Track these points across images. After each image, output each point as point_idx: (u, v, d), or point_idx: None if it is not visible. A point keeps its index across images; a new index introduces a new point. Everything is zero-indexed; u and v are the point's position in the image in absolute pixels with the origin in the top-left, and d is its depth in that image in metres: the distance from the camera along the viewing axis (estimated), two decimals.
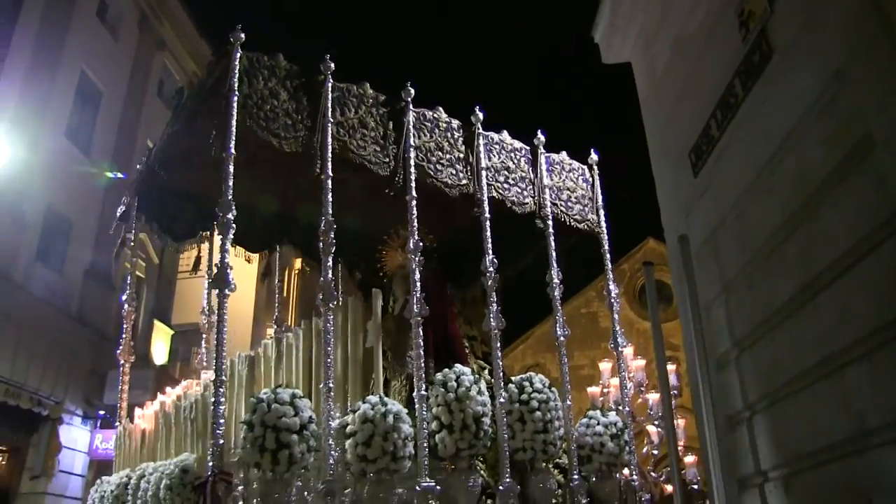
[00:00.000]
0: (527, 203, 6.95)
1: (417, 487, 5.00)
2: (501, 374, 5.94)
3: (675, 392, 9.42)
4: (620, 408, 7.23)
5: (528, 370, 7.05)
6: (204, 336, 8.07)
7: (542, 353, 25.48)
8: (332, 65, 6.10)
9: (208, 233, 7.80)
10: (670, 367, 9.50)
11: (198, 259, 8.07)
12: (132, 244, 7.57)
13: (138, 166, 7.77)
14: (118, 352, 7.44)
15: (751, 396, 3.47)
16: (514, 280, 7.93)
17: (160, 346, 16.55)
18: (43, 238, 13.17)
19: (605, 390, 8.86)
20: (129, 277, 7.87)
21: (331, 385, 5.14)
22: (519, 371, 7.03)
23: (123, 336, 7.47)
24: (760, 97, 3.12)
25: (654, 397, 9.20)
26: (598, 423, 6.34)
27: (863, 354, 2.53)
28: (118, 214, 7.70)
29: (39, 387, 12.68)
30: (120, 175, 7.05)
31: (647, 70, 5.04)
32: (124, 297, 7.69)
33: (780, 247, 3.04)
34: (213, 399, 4.69)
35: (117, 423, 7.54)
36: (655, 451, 9.08)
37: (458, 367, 5.73)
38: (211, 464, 4.57)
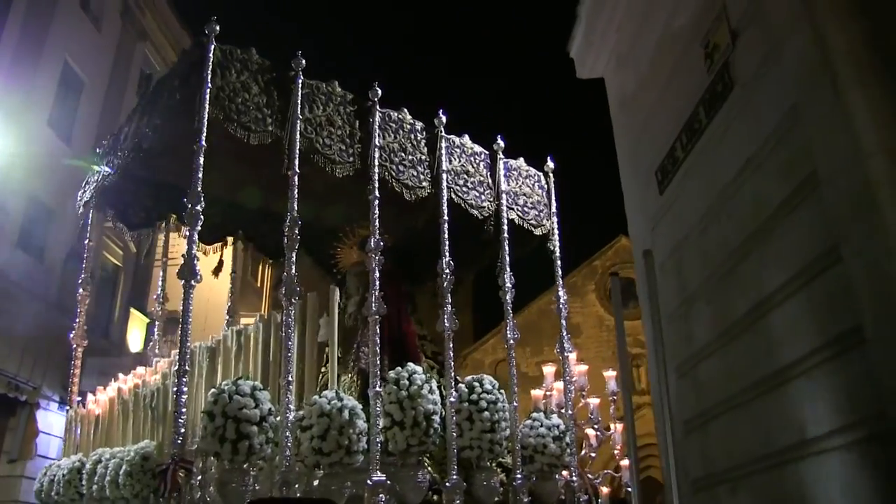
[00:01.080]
0: (484, 206, 7.17)
1: (369, 481, 5.20)
2: (452, 373, 6.19)
3: (614, 398, 9.83)
4: (563, 411, 7.43)
5: (499, 364, 7.38)
6: (157, 324, 8.17)
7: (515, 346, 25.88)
8: (304, 61, 6.23)
9: (164, 223, 7.91)
10: (609, 374, 9.89)
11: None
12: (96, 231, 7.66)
13: (97, 150, 7.81)
14: (71, 335, 7.50)
15: (706, 404, 3.70)
16: (483, 275, 8.15)
17: (136, 334, 16.61)
18: (24, 226, 13.28)
19: (548, 393, 9.13)
20: (83, 262, 7.92)
21: (290, 378, 5.29)
22: (490, 364, 7.30)
23: (77, 320, 7.53)
24: (722, 125, 3.36)
25: (594, 402, 9.51)
26: (542, 425, 6.62)
27: (805, 370, 2.76)
28: (80, 201, 7.74)
29: (18, 372, 12.80)
30: (107, 169, 7.07)
31: (618, 88, 5.26)
32: (80, 281, 7.76)
33: (736, 266, 3.28)
34: (174, 388, 4.83)
35: (67, 408, 7.60)
36: (593, 454, 9.41)
37: (411, 365, 5.97)
38: (171, 451, 4.71)
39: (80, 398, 7.57)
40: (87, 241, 7.98)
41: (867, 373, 2.33)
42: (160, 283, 8.19)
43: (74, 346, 7.46)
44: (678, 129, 3.86)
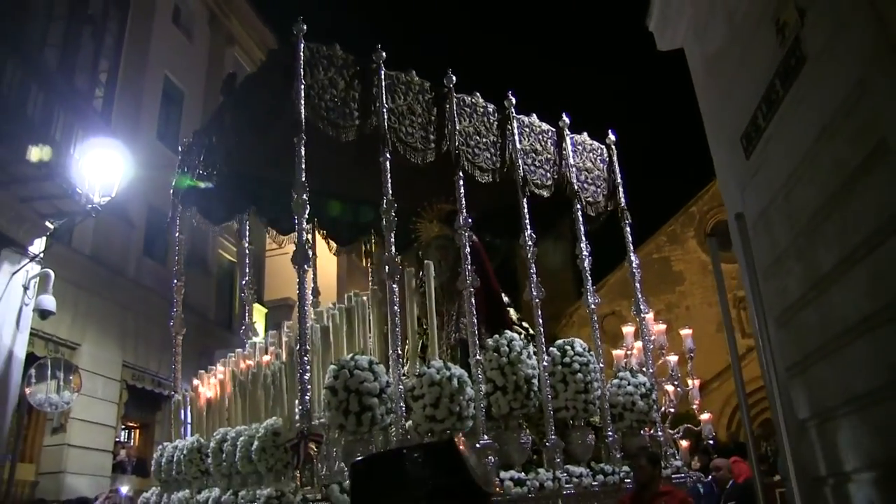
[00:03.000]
0: (549, 185, 7.71)
1: (478, 444, 5.79)
2: (543, 338, 6.83)
3: (692, 355, 10.44)
4: (644, 369, 8.00)
5: (605, 318, 8.04)
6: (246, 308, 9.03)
7: (618, 301, 25.68)
8: (384, 53, 6.75)
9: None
10: (685, 332, 10.49)
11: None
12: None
13: (179, 147, 8.54)
14: (171, 324, 8.23)
15: (806, 350, 4.19)
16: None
17: (257, 325, 17.88)
18: (147, 235, 15.04)
19: (629, 353, 9.73)
20: (176, 256, 8.74)
21: (399, 352, 5.94)
22: (599, 318, 7.92)
23: (174, 311, 8.27)
24: (797, 96, 3.79)
25: (673, 359, 10.09)
26: (629, 384, 7.29)
27: (892, 317, 3.25)
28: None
29: (158, 370, 14.72)
30: (209, 185, 7.85)
31: (699, 58, 5.67)
32: (175, 271, 8.54)
33: (821, 225, 3.75)
34: (298, 366, 5.44)
35: (174, 394, 8.27)
36: (672, 409, 10.04)
37: (508, 333, 6.63)
38: (300, 426, 5.31)
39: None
40: (177, 235, 8.72)
41: None
42: (246, 270, 9.15)
43: (174, 333, 8.15)
44: (758, 99, 4.28)
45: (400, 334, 6.07)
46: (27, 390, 10.12)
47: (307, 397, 5.43)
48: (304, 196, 5.96)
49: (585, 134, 8.35)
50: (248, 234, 8.91)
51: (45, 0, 9.74)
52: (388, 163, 6.44)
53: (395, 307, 6.04)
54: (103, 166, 9.87)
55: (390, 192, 6.35)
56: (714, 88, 5.50)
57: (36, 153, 9.32)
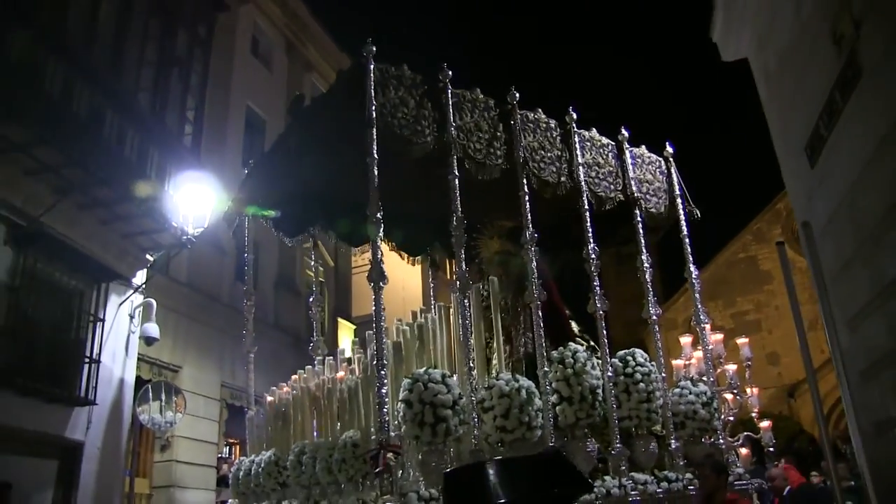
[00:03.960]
0: (613, 196, 7.69)
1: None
2: (607, 349, 6.86)
3: (749, 363, 10.21)
4: (704, 378, 7.92)
5: (691, 320, 7.94)
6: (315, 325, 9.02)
7: (704, 303, 25.83)
8: (450, 72, 6.82)
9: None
10: (742, 341, 10.30)
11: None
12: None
13: (251, 161, 8.75)
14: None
15: (876, 355, 4.13)
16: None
17: (346, 341, 18.21)
18: (238, 260, 15.14)
19: (688, 363, 9.58)
20: (245, 277, 8.98)
21: (471, 365, 6.00)
22: (684, 321, 7.91)
23: (245, 331, 8.47)
24: (857, 107, 3.74)
25: (731, 368, 9.90)
26: (690, 393, 7.22)
27: None
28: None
29: (257, 389, 14.73)
30: (274, 213, 8.12)
31: (762, 69, 5.64)
32: (244, 291, 8.77)
33: (885, 233, 3.68)
34: (377, 381, 5.54)
35: (247, 409, 8.48)
36: (731, 418, 9.86)
37: (572, 345, 6.67)
38: (378, 438, 5.43)
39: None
40: (245, 256, 8.99)
41: None
42: (314, 288, 9.25)
43: (246, 350, 8.34)
44: (819, 110, 4.23)
45: (473, 348, 6.14)
46: (138, 411, 10.59)
47: (385, 409, 5.53)
48: (379, 215, 6.07)
49: (644, 147, 8.33)
50: (314, 251, 9.31)
51: (138, 47, 10.16)
52: (456, 180, 6.51)
53: (469, 322, 6.12)
54: (195, 199, 10.22)
55: (459, 209, 6.43)
56: (778, 99, 5.47)
57: (135, 192, 9.75)
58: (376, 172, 6.13)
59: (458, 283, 6.26)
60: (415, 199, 7.99)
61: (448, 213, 6.48)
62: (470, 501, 1.60)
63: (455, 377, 6.00)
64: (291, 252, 16.34)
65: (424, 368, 5.87)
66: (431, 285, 9.97)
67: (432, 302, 8.80)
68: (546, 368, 6.37)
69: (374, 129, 6.18)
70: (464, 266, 6.33)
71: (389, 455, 5.27)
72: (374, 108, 6.22)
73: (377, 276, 5.91)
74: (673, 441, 6.96)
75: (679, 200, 8.34)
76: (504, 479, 1.56)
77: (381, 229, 6.11)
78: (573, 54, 59.93)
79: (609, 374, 6.70)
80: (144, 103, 10.43)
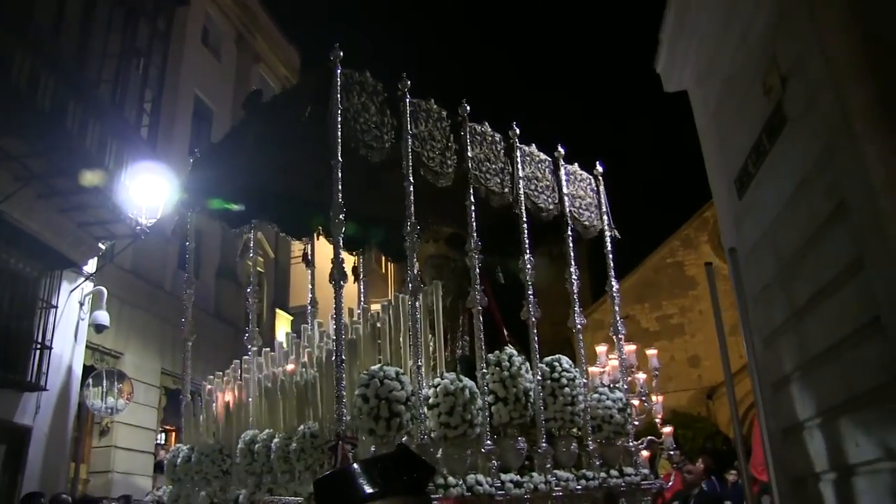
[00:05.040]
0: (550, 209, 8.09)
1: (483, 449, 6.28)
2: (537, 354, 7.27)
3: (657, 372, 11.01)
4: (618, 385, 8.43)
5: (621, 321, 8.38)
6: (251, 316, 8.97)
7: (631, 305, 26.20)
8: (409, 82, 6.97)
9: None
10: (651, 352, 11.02)
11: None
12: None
13: (196, 151, 8.68)
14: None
15: (786, 369, 4.58)
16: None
17: (282, 332, 18.52)
18: (182, 248, 14.89)
19: (603, 370, 10.14)
20: (185, 265, 8.94)
21: (420, 363, 6.31)
22: (610, 324, 8.34)
23: (185, 318, 8.42)
24: (781, 151, 4.17)
25: (641, 377, 10.58)
26: (608, 398, 7.75)
27: (854, 344, 3.60)
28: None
29: (196, 376, 14.66)
30: (237, 206, 8.20)
31: (701, 101, 6.05)
32: (185, 279, 8.76)
33: (800, 263, 4.12)
34: (336, 374, 5.80)
35: (182, 398, 8.48)
36: (636, 423, 10.56)
37: (508, 349, 7.06)
38: (335, 429, 5.68)
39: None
40: (186, 244, 8.98)
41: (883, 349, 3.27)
42: (251, 279, 9.03)
43: (184, 339, 8.36)
44: (749, 148, 4.68)
45: (422, 346, 6.48)
46: (85, 397, 10.67)
47: (344, 402, 5.79)
48: (341, 216, 6.26)
49: (576, 164, 8.74)
50: (252, 243, 9.22)
51: (102, 38, 10.23)
52: (411, 186, 6.74)
53: (418, 322, 6.44)
54: (149, 190, 10.34)
55: (413, 215, 6.66)
56: (713, 132, 5.88)
57: (92, 182, 9.83)
58: (339, 175, 6.28)
59: (409, 285, 6.52)
60: (356, 198, 8.20)
61: (386, 214, 6.65)
62: (340, 499, 1.72)
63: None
64: (234, 242, 16.29)
65: (379, 365, 6.15)
66: (364, 281, 10.06)
67: (361, 299, 9.28)
68: (484, 370, 6.71)
69: (339, 133, 6.31)
70: (416, 269, 6.58)
71: (347, 446, 5.52)
72: (339, 112, 6.35)
73: (339, 275, 6.15)
74: (590, 442, 7.47)
75: (605, 217, 8.79)
76: (366, 476, 1.69)
77: (343, 230, 6.30)
78: (518, 71, 61.08)
79: (538, 377, 7.11)
80: (105, 94, 10.51)
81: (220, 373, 8.46)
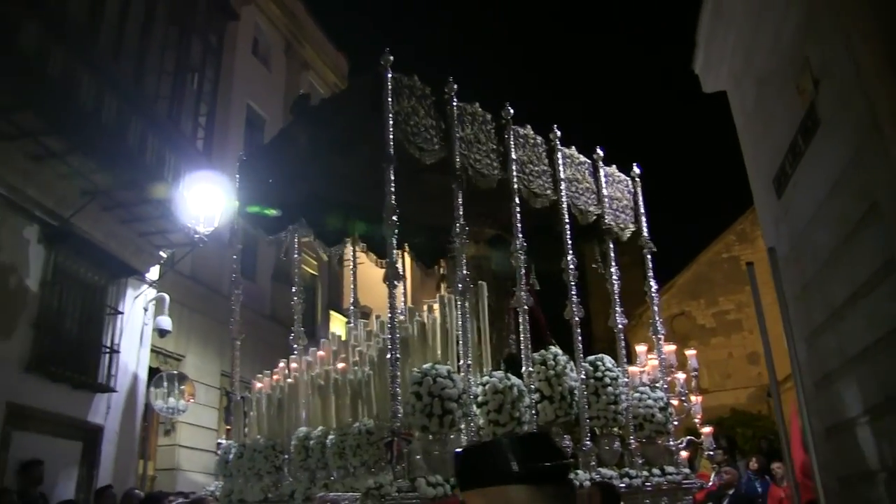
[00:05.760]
0: (590, 211, 8.09)
1: None
2: (581, 354, 7.31)
3: (696, 374, 10.80)
4: (658, 385, 8.40)
5: (674, 319, 8.47)
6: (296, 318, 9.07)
7: (687, 302, 25.99)
8: (456, 86, 7.01)
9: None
10: (690, 353, 10.85)
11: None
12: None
13: (242, 154, 8.80)
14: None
15: (828, 368, 4.67)
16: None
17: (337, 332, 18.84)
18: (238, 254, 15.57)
19: (642, 370, 10.16)
20: (234, 265, 9.03)
21: (469, 362, 6.40)
22: (666, 319, 8.35)
23: (233, 318, 8.59)
24: (816, 151, 4.25)
25: (681, 377, 10.58)
26: (649, 398, 7.79)
27: (889, 344, 3.68)
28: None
29: (252, 377, 15.19)
30: (274, 212, 8.30)
31: (739, 101, 6.12)
32: (233, 281, 8.91)
33: (836, 263, 4.21)
34: (390, 372, 5.92)
35: (231, 394, 8.61)
36: (676, 422, 10.59)
37: (552, 348, 7.14)
38: (391, 426, 5.77)
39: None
40: (238, 246, 9.05)
41: None
42: (295, 280, 9.30)
43: (233, 338, 8.51)
44: (785, 148, 4.77)
45: (471, 345, 6.58)
46: (151, 398, 11.13)
47: (399, 399, 5.89)
48: (394, 217, 6.29)
49: (615, 167, 8.74)
50: (296, 246, 9.29)
51: (158, 56, 10.64)
52: (460, 189, 6.77)
53: (468, 322, 6.54)
54: (206, 200, 10.68)
55: (461, 217, 6.70)
56: (751, 132, 5.97)
57: (152, 193, 10.29)
58: (392, 178, 6.32)
59: (458, 285, 6.59)
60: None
61: (420, 218, 6.67)
62: (484, 474, 1.65)
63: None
64: (289, 246, 16.32)
65: (431, 364, 6.22)
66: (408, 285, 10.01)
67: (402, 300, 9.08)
68: (531, 369, 6.76)
69: (389, 136, 6.33)
70: (464, 270, 6.65)
71: (402, 442, 5.64)
72: (390, 115, 6.38)
73: (393, 275, 6.21)
74: (632, 440, 7.48)
75: (643, 219, 8.79)
76: (515, 454, 1.63)
77: (396, 232, 6.34)
78: (556, 73, 61.06)
79: (581, 376, 7.16)
80: (163, 110, 10.91)
81: (268, 371, 8.60)
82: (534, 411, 6.60)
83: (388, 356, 6.04)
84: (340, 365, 7.54)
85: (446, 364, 6.40)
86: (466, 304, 6.58)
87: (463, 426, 6.19)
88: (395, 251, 6.35)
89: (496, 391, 6.30)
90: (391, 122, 6.36)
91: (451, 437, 6.11)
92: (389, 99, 6.43)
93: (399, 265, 9.68)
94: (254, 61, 18.73)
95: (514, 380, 6.44)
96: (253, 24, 18.53)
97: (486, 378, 6.48)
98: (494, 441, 1.81)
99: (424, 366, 6.24)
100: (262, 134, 17.98)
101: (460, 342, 6.52)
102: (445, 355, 6.76)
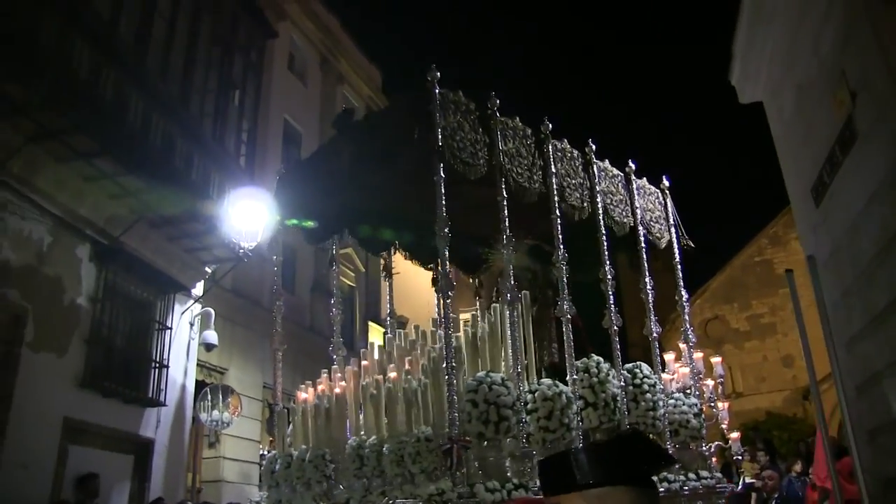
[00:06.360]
0: (624, 222, 8.21)
1: None
2: (620, 361, 7.45)
3: (721, 380, 10.98)
4: (688, 391, 8.56)
5: (708, 323, 8.65)
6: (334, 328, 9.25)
7: (720, 306, 26.17)
8: (498, 101, 7.13)
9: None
10: (716, 360, 11.05)
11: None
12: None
13: (282, 167, 9.02)
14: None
15: (868, 373, 4.89)
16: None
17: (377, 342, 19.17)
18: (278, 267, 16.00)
19: (672, 377, 10.32)
20: (275, 277, 9.12)
21: (519, 369, 6.55)
22: (699, 324, 8.52)
23: (275, 329, 8.76)
24: (853, 163, 4.50)
25: (710, 383, 10.71)
26: (684, 404, 7.98)
27: None
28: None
29: (293, 388, 15.57)
30: (311, 224, 8.55)
31: (777, 112, 6.36)
32: (274, 292, 9.07)
33: (876, 271, 4.46)
34: (447, 380, 6.07)
35: (275, 404, 8.71)
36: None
37: (594, 356, 7.29)
38: (449, 433, 5.90)
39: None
40: (275, 257, 9.18)
41: None
42: (334, 291, 9.43)
43: (274, 349, 8.72)
44: (823, 159, 5.01)
45: (521, 353, 6.75)
46: (199, 412, 11.55)
47: (456, 406, 6.06)
48: (446, 230, 6.45)
49: (645, 179, 8.89)
50: (335, 257, 9.39)
51: (202, 75, 11.06)
52: (504, 201, 6.88)
53: (517, 330, 6.68)
54: (249, 215, 11.03)
55: (508, 229, 6.81)
56: (789, 142, 6.22)
57: (197, 211, 10.81)
58: (443, 191, 6.46)
59: (507, 295, 6.71)
60: (426, 212, 8.44)
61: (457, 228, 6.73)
62: (562, 484, 1.69)
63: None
64: (327, 258, 16.57)
65: (485, 372, 6.44)
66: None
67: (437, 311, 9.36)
68: (575, 377, 6.94)
69: (441, 151, 6.49)
70: (512, 281, 6.76)
71: (462, 449, 5.79)
72: (439, 130, 6.54)
73: (445, 285, 6.38)
74: (669, 446, 7.60)
75: (673, 229, 8.97)
76: (592, 461, 1.67)
77: (446, 245, 6.46)
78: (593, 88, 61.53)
79: (621, 384, 7.31)
80: (207, 129, 11.32)
81: (310, 381, 8.73)
82: (579, 418, 6.77)
83: (444, 364, 6.21)
84: (392, 374, 7.70)
85: (500, 373, 6.58)
86: (516, 314, 6.72)
87: (517, 433, 6.33)
88: (447, 261, 6.45)
89: (545, 398, 6.50)
90: (440, 136, 6.54)
91: (506, 443, 6.27)
92: (438, 114, 6.60)
93: (426, 277, 10.11)
94: (290, 76, 19.09)
95: (563, 387, 6.64)
96: (289, 39, 18.90)
97: (534, 385, 6.68)
98: (572, 451, 1.77)
99: (479, 374, 6.44)
100: (300, 148, 18.39)
101: (510, 351, 6.69)
102: (494, 364, 6.93)
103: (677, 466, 7.59)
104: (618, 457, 1.71)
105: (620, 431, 6.00)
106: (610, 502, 1.62)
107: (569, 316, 7.18)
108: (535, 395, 6.57)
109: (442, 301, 6.48)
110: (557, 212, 7.45)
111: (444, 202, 6.49)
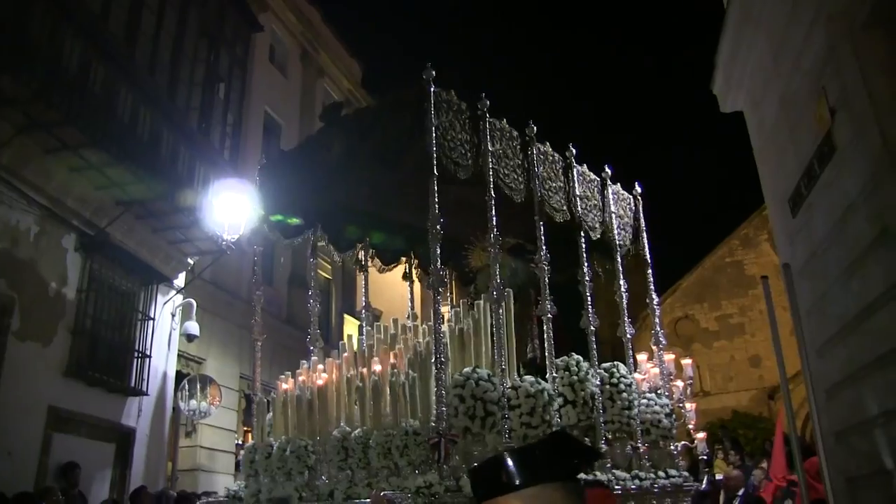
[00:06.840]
0: (596, 227, 8.42)
1: None
2: (596, 360, 7.71)
3: (691, 381, 11.44)
4: (660, 392, 8.83)
5: (678, 322, 8.93)
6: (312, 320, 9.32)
7: (690, 305, 26.60)
8: (488, 102, 7.26)
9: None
10: (686, 362, 11.48)
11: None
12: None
13: (263, 158, 9.22)
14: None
15: (837, 378, 5.10)
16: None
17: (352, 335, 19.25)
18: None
19: (643, 377, 10.60)
20: (255, 268, 9.44)
21: (503, 367, 6.69)
22: (669, 323, 8.79)
23: (254, 319, 8.91)
24: (830, 176, 4.71)
25: (679, 384, 10.99)
26: (656, 404, 8.28)
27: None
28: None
29: (270, 379, 15.68)
30: (296, 221, 8.65)
31: (756, 124, 6.55)
32: (253, 283, 9.35)
33: (848, 280, 4.67)
34: (434, 374, 6.29)
35: (255, 395, 8.81)
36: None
37: (574, 355, 7.52)
38: (437, 427, 6.10)
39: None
40: (255, 248, 9.48)
41: None
42: (311, 284, 9.51)
43: (254, 339, 8.85)
44: (801, 171, 5.21)
45: (505, 350, 6.89)
46: (179, 401, 11.68)
47: (444, 401, 6.23)
48: (438, 227, 6.56)
49: (619, 185, 9.13)
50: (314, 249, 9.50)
51: (189, 68, 11.16)
52: (492, 201, 7.04)
53: (502, 329, 6.86)
54: (232, 208, 11.11)
55: (496, 229, 6.97)
56: (768, 153, 6.40)
57: (182, 203, 10.94)
58: (436, 189, 6.59)
59: (493, 293, 6.91)
60: (400, 210, 8.58)
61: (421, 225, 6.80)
62: (493, 489, 1.69)
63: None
64: (305, 251, 16.56)
65: (472, 367, 6.62)
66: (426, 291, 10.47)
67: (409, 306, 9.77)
68: (555, 374, 7.13)
69: (433, 150, 6.61)
70: (498, 279, 6.94)
71: (449, 443, 6.02)
72: (433, 128, 6.64)
73: (437, 282, 6.54)
74: (640, 444, 7.89)
75: (644, 235, 9.27)
76: (520, 464, 1.67)
77: (440, 239, 6.58)
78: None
79: (598, 382, 7.56)
80: (193, 121, 11.43)
81: (289, 373, 8.83)
82: (559, 415, 6.98)
83: (433, 360, 6.39)
84: (377, 367, 7.77)
85: (485, 369, 6.78)
86: (501, 311, 6.90)
87: (502, 428, 6.52)
88: (439, 258, 6.58)
89: (528, 395, 6.67)
90: (434, 135, 6.65)
91: (491, 437, 6.48)
92: (432, 113, 6.71)
93: (400, 272, 10.24)
94: (271, 69, 19.17)
95: (545, 384, 6.83)
96: (270, 31, 18.93)
97: (517, 382, 6.83)
98: (498, 457, 1.74)
99: (465, 369, 6.62)
100: (279, 140, 18.39)
101: (494, 347, 6.86)
102: (478, 360, 7.11)
103: (649, 464, 7.86)
104: (550, 456, 1.72)
105: (551, 432, 6.17)
106: (545, 499, 1.67)
107: (550, 315, 7.37)
108: (518, 391, 6.73)
109: (433, 297, 6.65)
110: (539, 214, 7.62)
111: (436, 200, 6.60)
